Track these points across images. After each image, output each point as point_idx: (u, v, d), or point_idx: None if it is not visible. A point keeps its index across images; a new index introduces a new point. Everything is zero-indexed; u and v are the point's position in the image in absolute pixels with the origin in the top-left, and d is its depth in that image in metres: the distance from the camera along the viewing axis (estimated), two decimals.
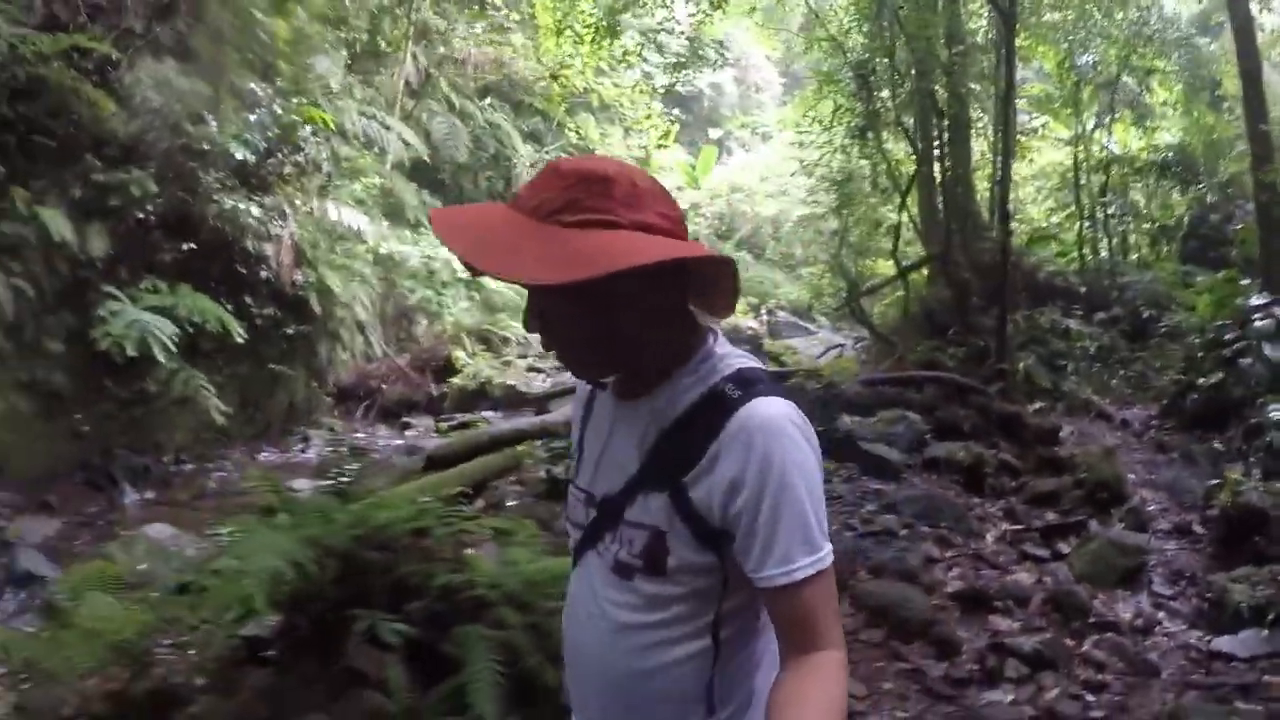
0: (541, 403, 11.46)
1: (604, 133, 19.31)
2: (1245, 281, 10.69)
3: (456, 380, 12.29)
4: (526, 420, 9.75)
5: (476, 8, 16.04)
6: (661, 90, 17.91)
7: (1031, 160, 15.62)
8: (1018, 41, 10.94)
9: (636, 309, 1.50)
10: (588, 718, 1.76)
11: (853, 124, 13.33)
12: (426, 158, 14.17)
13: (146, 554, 6.12)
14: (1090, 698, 4.33)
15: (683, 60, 15.52)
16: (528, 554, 3.91)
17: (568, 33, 14.87)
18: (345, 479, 4.35)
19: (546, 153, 16.90)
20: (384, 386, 11.95)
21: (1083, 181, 14.97)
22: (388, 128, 12.87)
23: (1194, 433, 8.91)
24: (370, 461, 6.41)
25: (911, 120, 13.18)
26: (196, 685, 3.51)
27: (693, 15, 14.51)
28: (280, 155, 10.12)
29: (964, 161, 13.01)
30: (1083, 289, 13.80)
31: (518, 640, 3.35)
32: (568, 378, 12.06)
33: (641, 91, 18.04)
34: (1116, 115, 15.00)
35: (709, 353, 1.59)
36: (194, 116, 9.35)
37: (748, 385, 1.51)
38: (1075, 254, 15.04)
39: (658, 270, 1.40)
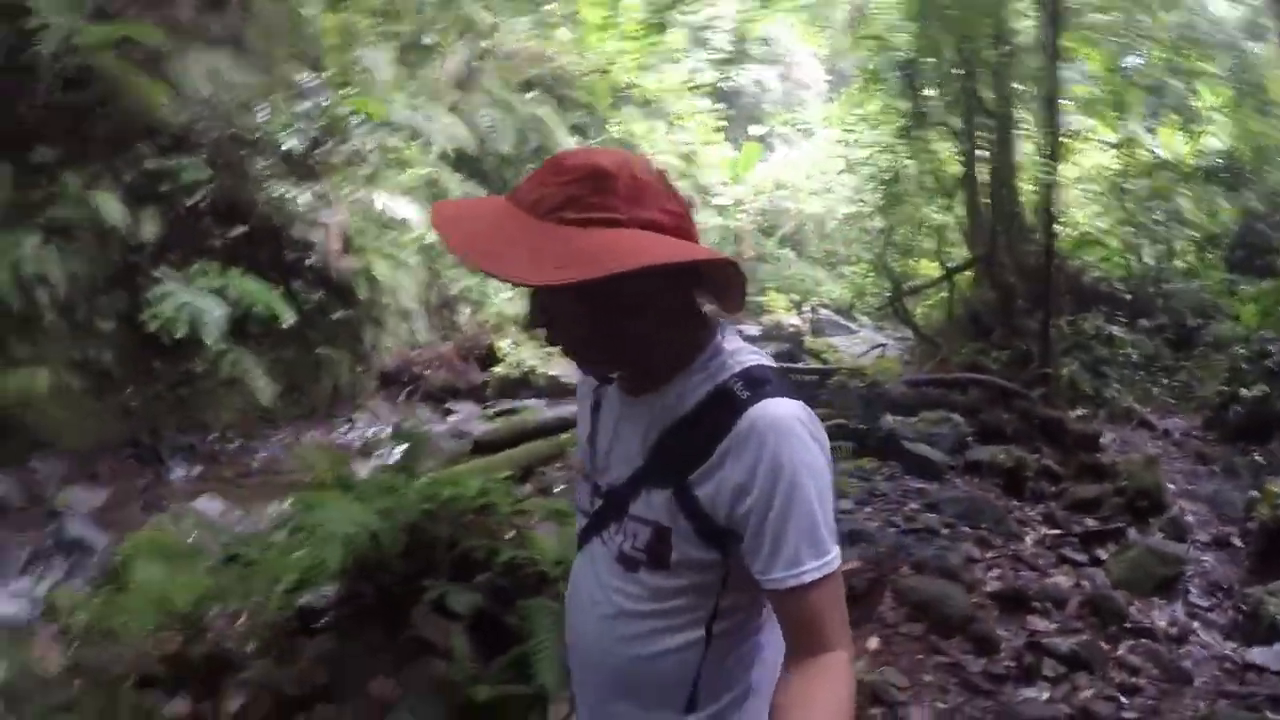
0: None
1: (649, 127, 19.30)
2: None
3: (499, 369, 12.38)
4: (571, 409, 9.74)
5: (523, 2, 16.12)
6: (708, 87, 17.86)
7: (1076, 163, 15.47)
8: (1064, 42, 10.85)
9: (641, 309, 1.50)
10: (586, 699, 1.80)
11: (899, 123, 13.32)
12: (471, 149, 14.25)
13: (195, 526, 6.25)
14: (1124, 700, 4.39)
15: (730, 57, 15.50)
16: None
17: (613, 29, 14.90)
18: (408, 457, 4.46)
19: (590, 146, 16.89)
20: (427, 373, 12.02)
21: (1128, 186, 14.82)
22: (433, 119, 12.97)
23: (1236, 445, 8.86)
24: (427, 440, 6.50)
25: (958, 120, 13.13)
26: (250, 651, 3.61)
27: (741, 12, 14.52)
28: (329, 144, 10.26)
29: (1009, 163, 12.92)
30: (1127, 295, 13.68)
31: None
32: None
33: (689, 88, 17.98)
34: (1162, 119, 14.84)
35: (718, 349, 1.59)
36: (244, 106, 9.51)
37: (757, 385, 1.51)
38: (1120, 260, 14.91)
39: (663, 270, 1.39)
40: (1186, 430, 9.86)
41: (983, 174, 13.26)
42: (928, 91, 13.06)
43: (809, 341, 16.67)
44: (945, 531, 6.14)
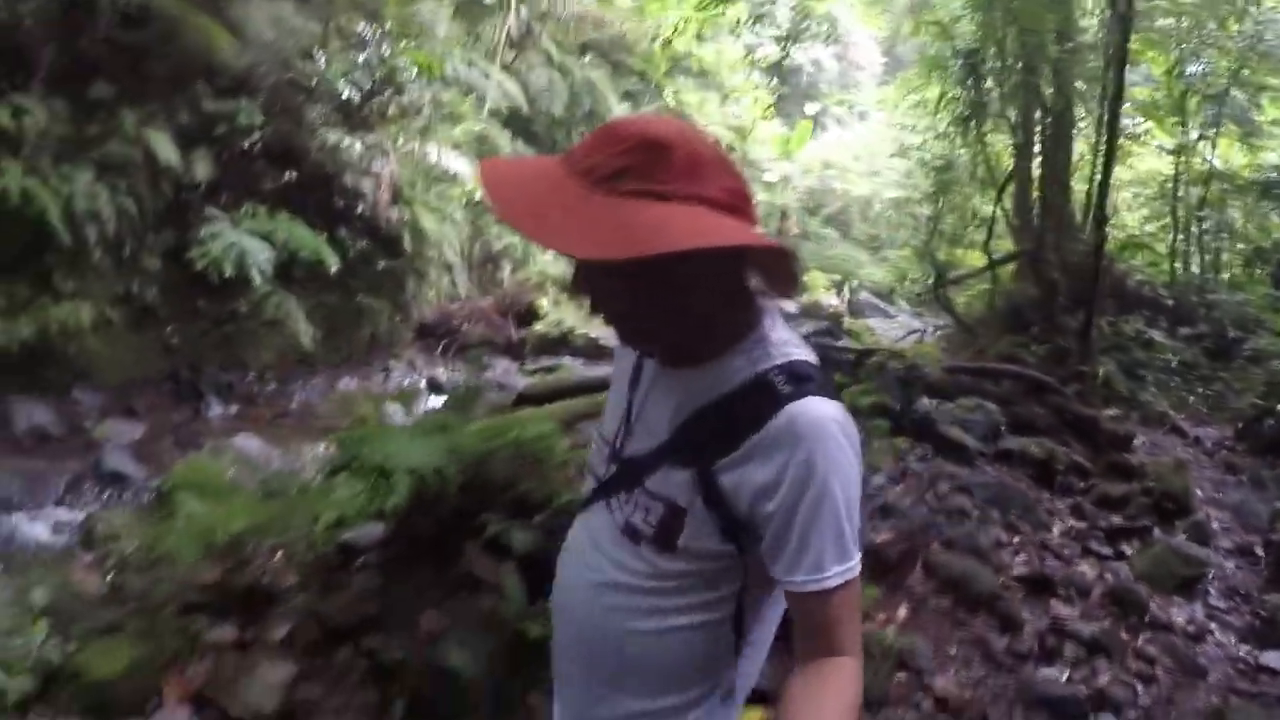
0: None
1: (702, 99, 19.24)
2: None
3: (538, 327, 12.47)
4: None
5: None
6: (765, 62, 17.74)
7: (1131, 166, 15.31)
8: (1130, 45, 10.74)
9: (688, 288, 1.44)
10: (559, 663, 1.79)
11: (958, 111, 13.26)
12: (523, 109, 14.29)
13: (234, 462, 6.37)
14: (1140, 687, 4.50)
15: (789, 33, 15.41)
16: None
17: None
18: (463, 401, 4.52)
19: (647, 114, 16.79)
20: (465, 326, 12.11)
21: (1180, 193, 14.66)
22: (488, 76, 13.01)
23: (1266, 458, 8.80)
24: (482, 388, 6.57)
25: (1015, 113, 13.05)
26: (290, 584, 3.70)
27: None
28: (384, 96, 10.31)
29: (1063, 160, 12.83)
30: (1170, 302, 13.55)
31: None
32: None
33: (749, 62, 17.83)
34: (1222, 129, 14.65)
35: (762, 336, 1.52)
36: (303, 53, 9.57)
37: (799, 381, 1.46)
38: (1166, 266, 14.79)
39: (714, 252, 1.34)
40: (1218, 440, 9.78)
41: (1034, 169, 13.19)
42: (988, 82, 12.95)
43: (847, 323, 16.69)
44: (975, 514, 6.19)
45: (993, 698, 4.21)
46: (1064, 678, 4.47)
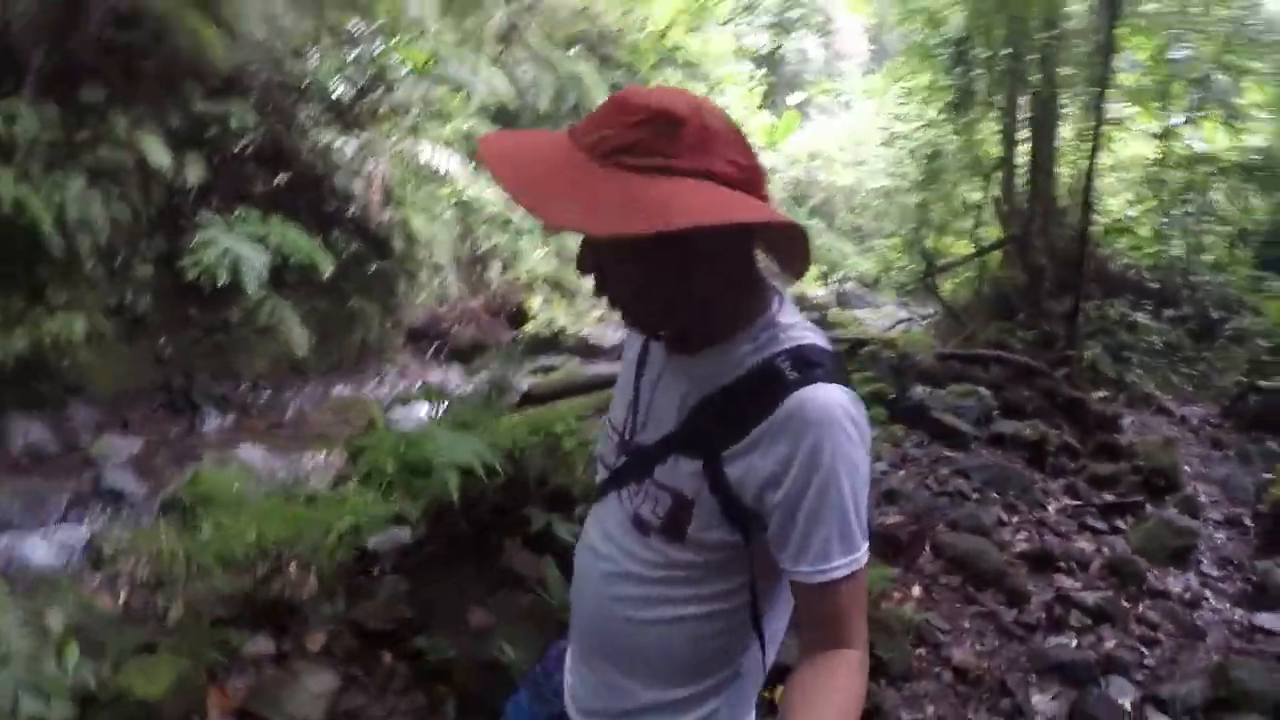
0: (621, 352, 11.53)
1: (690, 90, 19.19)
2: None
3: (530, 327, 12.47)
4: (613, 367, 9.66)
5: None
6: (752, 52, 17.72)
7: (1113, 151, 15.38)
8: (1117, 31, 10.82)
9: (698, 267, 1.41)
10: (575, 648, 1.79)
11: (945, 99, 13.32)
12: (511, 104, 14.25)
13: (240, 473, 6.33)
14: (1144, 650, 4.82)
15: (776, 22, 15.39)
16: None
17: None
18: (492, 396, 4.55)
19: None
20: (455, 329, 12.09)
21: (1164, 177, 14.76)
22: (476, 72, 12.97)
23: (1251, 433, 9.08)
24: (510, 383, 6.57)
25: (1002, 100, 13.11)
26: (316, 592, 3.71)
27: None
28: (376, 94, 10.26)
29: (1049, 147, 12.90)
30: (1154, 284, 13.66)
31: None
32: None
33: (738, 52, 17.77)
34: (1205, 113, 14.75)
35: (771, 321, 1.49)
36: (294, 51, 9.49)
37: (807, 367, 1.42)
38: (1150, 249, 14.88)
39: (723, 229, 1.30)
40: (1204, 417, 10.01)
41: (1021, 156, 13.25)
42: (976, 71, 13.01)
43: (834, 313, 16.71)
44: (975, 496, 6.51)
45: (1008, 666, 4.50)
46: (1073, 644, 4.78)
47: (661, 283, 1.43)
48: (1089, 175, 10.96)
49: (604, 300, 1.50)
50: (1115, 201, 15.35)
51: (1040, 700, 4.25)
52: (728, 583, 1.53)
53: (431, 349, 11.83)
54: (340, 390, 10.10)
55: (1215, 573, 5.99)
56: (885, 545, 4.97)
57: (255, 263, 8.58)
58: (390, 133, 10.77)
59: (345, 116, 10.04)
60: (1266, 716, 4.04)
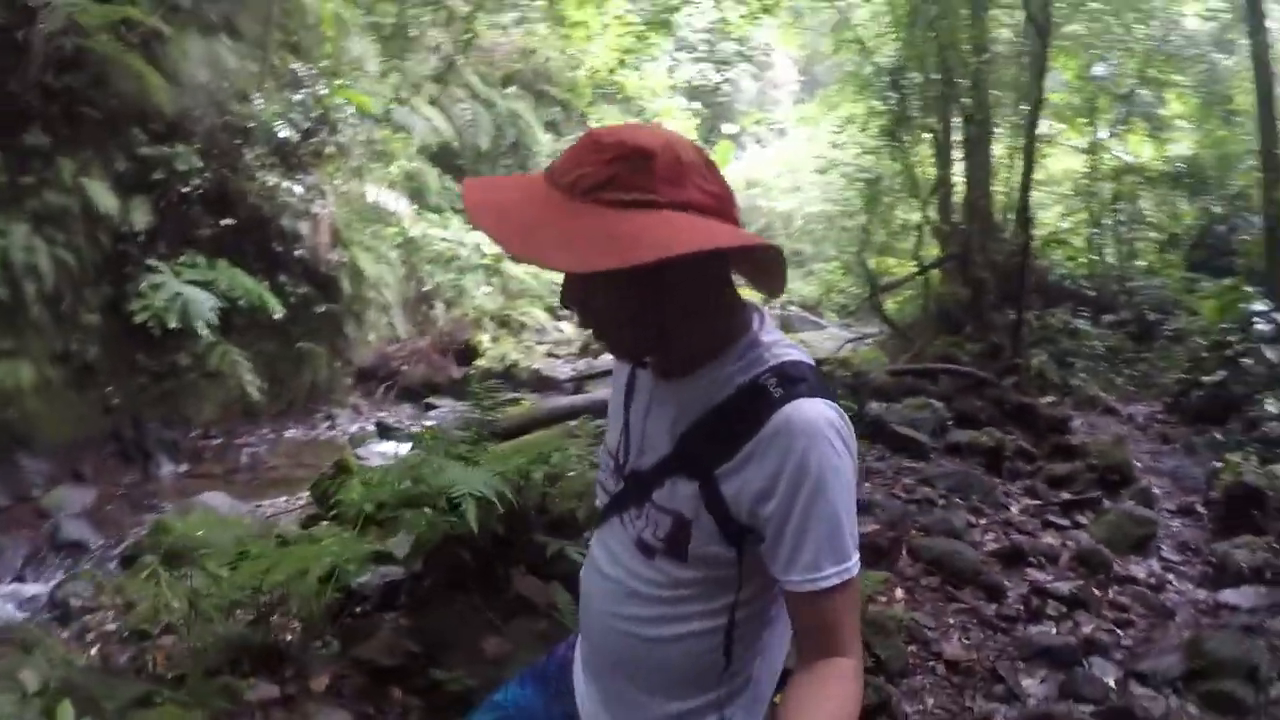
0: (577, 384, 11.60)
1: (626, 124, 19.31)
2: (1249, 289, 10.93)
3: (482, 362, 12.38)
4: (582, 397, 9.71)
5: None
6: (685, 85, 17.93)
7: (1044, 166, 15.76)
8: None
9: (677, 294, 1.45)
10: (586, 671, 1.81)
11: (881, 125, 13.60)
12: (451, 143, 14.29)
13: (205, 521, 6.19)
14: (1120, 631, 5.06)
15: (707, 56, 15.64)
16: None
17: (604, 27, 14.92)
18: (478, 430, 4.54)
19: (565, 142, 17.04)
20: (405, 368, 11.97)
21: (1094, 189, 15.17)
22: (416, 112, 13.01)
23: (1195, 426, 9.38)
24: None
25: (937, 123, 13.41)
26: (296, 636, 3.66)
27: (743, 16, 14.74)
28: (320, 136, 10.22)
29: (984, 166, 13.21)
30: (1092, 292, 14.03)
31: None
32: (599, 361, 12.32)
33: (672, 86, 17.98)
34: (1130, 125, 15.22)
35: (754, 340, 1.53)
36: (239, 94, 9.43)
37: (791, 383, 1.45)
38: (1084, 259, 15.27)
39: (702, 256, 1.32)
40: (1149, 415, 10.31)
41: (957, 176, 13.54)
42: (909, 96, 13.29)
43: None
44: (941, 502, 6.69)
45: (996, 655, 4.69)
46: (1053, 631, 4.97)
47: (645, 311, 1.46)
48: (1024, 190, 11.25)
49: (589, 331, 1.55)
50: (1048, 215, 15.73)
51: (1030, 684, 4.43)
52: (733, 595, 1.56)
53: (381, 388, 11.69)
54: (293, 433, 9.94)
55: (1176, 558, 6.26)
56: (866, 552, 4.96)
57: (204, 305, 8.44)
58: (335, 174, 10.73)
59: (290, 159, 9.96)
60: (1241, 680, 4.25)
